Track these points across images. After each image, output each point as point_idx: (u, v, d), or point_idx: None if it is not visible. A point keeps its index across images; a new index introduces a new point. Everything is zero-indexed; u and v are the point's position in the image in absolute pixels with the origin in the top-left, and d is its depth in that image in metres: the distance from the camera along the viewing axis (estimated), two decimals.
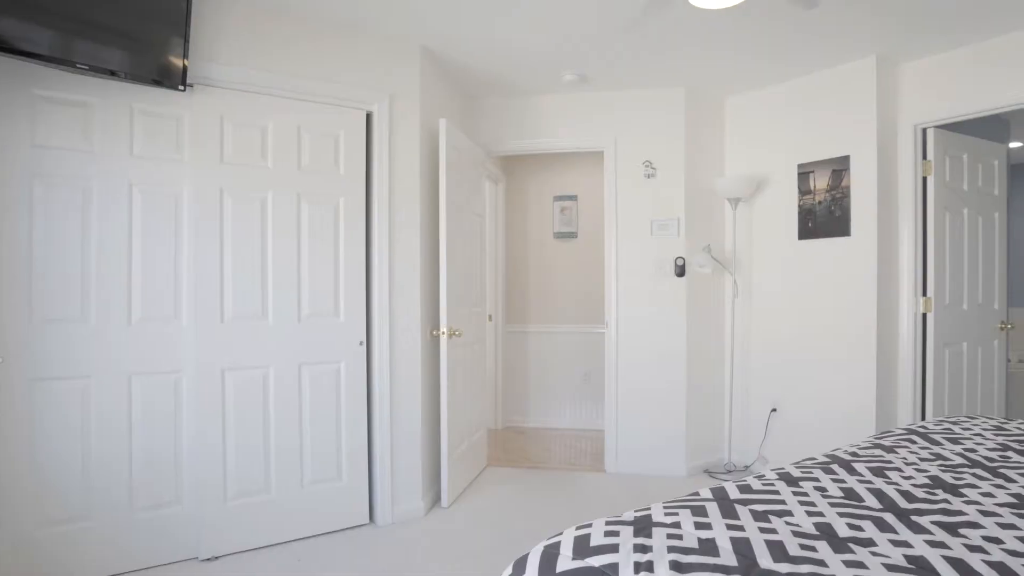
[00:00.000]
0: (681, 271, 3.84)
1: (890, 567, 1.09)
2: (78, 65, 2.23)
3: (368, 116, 3.08)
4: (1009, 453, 1.85)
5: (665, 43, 3.16)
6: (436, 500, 3.36)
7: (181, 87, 2.48)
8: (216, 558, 2.65)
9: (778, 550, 1.15)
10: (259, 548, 2.75)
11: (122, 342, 2.52)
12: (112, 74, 2.33)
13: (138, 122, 2.55)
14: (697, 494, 1.51)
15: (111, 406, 2.50)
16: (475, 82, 3.76)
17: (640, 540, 1.21)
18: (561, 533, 1.30)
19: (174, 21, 2.41)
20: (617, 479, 3.81)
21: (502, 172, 5.22)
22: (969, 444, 1.95)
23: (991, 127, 4.05)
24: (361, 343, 3.03)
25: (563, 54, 3.30)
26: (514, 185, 5.34)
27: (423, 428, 3.21)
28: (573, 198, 5.25)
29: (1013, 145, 5.06)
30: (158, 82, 2.42)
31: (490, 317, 5.10)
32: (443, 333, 3.21)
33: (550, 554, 1.23)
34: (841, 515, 1.33)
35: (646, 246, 3.91)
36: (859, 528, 1.26)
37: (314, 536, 2.89)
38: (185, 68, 2.46)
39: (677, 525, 1.28)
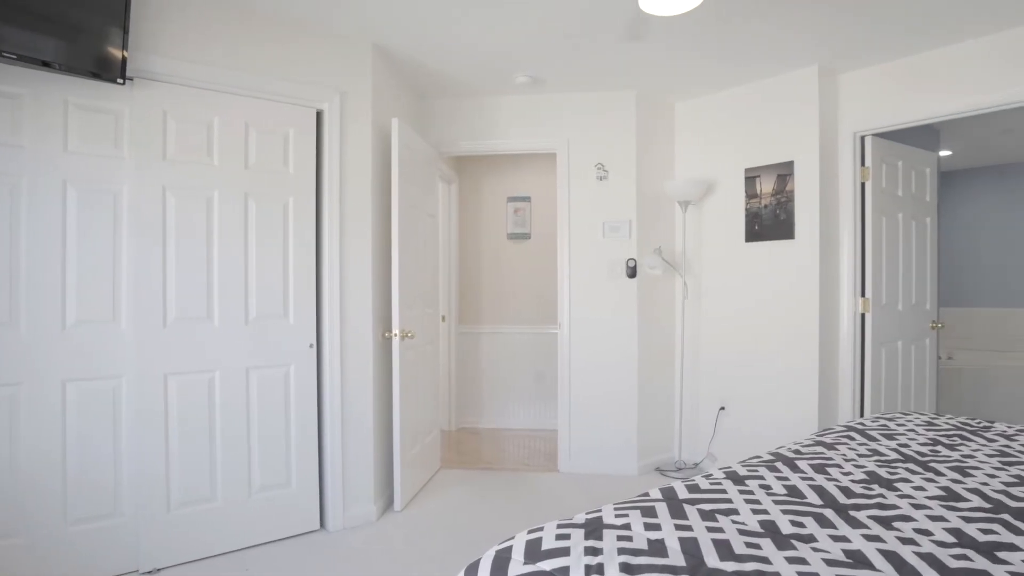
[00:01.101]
0: (632, 272, 3.90)
1: (829, 562, 1.13)
2: (5, 54, 2.11)
3: (319, 114, 3.02)
4: (939, 448, 1.95)
5: (616, 47, 3.21)
6: (389, 504, 3.32)
7: (120, 80, 2.38)
8: (158, 570, 2.55)
9: (725, 549, 1.18)
10: (204, 558, 2.66)
11: (55, 347, 2.40)
12: (45, 65, 2.21)
13: (73, 116, 2.44)
14: (647, 494, 1.54)
15: (43, 414, 2.38)
16: (428, 82, 3.73)
17: (591, 543, 1.22)
18: (513, 537, 1.31)
19: (112, 10, 2.31)
20: (570, 479, 3.85)
21: (455, 172, 5.20)
22: (903, 440, 2.05)
23: (923, 136, 4.25)
24: (311, 345, 2.97)
25: (516, 55, 3.31)
26: (467, 185, 5.33)
27: (375, 431, 3.17)
28: (527, 199, 5.27)
29: (943, 153, 5.32)
30: (96, 75, 2.32)
31: (443, 318, 5.08)
32: (395, 335, 3.18)
33: (502, 559, 1.23)
34: (784, 512, 1.37)
35: (598, 247, 3.96)
36: (801, 525, 1.31)
37: (263, 544, 2.82)
38: (125, 60, 2.37)
39: (627, 527, 1.30)
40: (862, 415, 3.56)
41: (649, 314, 4.01)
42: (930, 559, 1.15)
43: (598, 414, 3.97)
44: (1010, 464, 1.76)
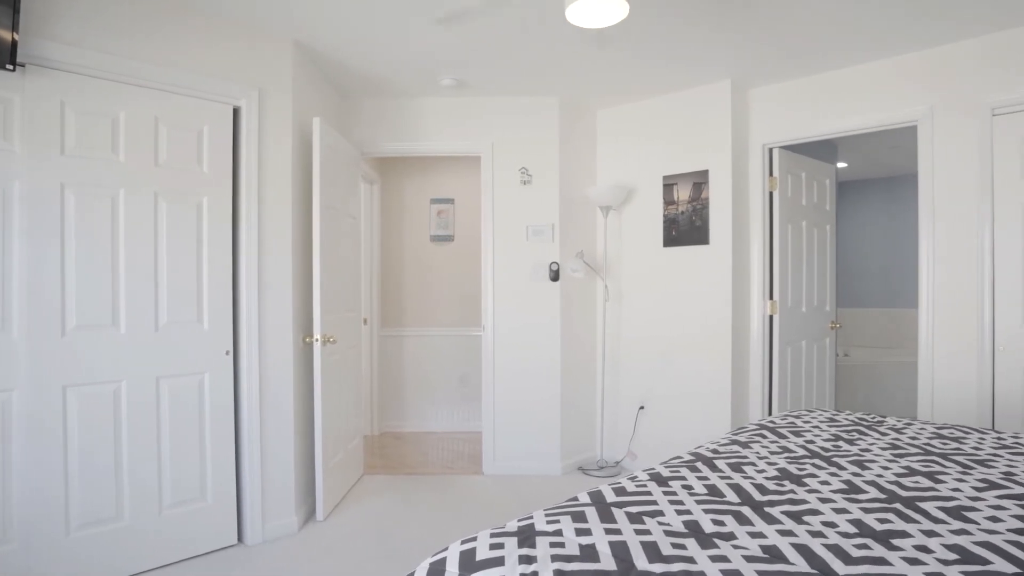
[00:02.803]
0: (555, 276, 3.97)
1: (749, 558, 1.20)
2: None
3: (235, 111, 2.89)
4: (840, 443, 2.10)
5: (541, 54, 3.25)
6: (311, 514, 3.22)
7: (10, 66, 2.18)
8: None
9: (652, 551, 1.23)
10: None
11: None
12: None
13: None
14: (576, 499, 1.57)
15: None
16: (352, 81, 3.65)
17: (524, 551, 1.23)
18: (447, 548, 1.30)
19: None
20: (496, 481, 3.87)
21: (378, 173, 5.11)
22: (809, 436, 2.19)
23: (823, 149, 4.56)
24: (228, 352, 2.84)
25: (441, 58, 3.29)
26: (390, 187, 5.25)
27: (296, 439, 3.07)
28: (450, 201, 5.25)
29: (840, 165, 5.73)
30: None
31: (365, 321, 4.98)
32: (317, 340, 3.09)
33: (436, 571, 1.22)
34: (706, 512, 1.44)
35: (522, 251, 4.00)
36: (722, 523, 1.37)
37: (176, 563, 2.66)
38: (15, 43, 2.17)
39: (559, 533, 1.32)
40: (770, 411, 3.78)
41: (571, 316, 4.09)
42: (836, 550, 1.24)
43: (522, 415, 4.01)
44: (900, 456, 1.92)
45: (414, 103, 4.00)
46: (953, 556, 1.21)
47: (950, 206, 3.09)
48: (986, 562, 1.18)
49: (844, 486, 1.64)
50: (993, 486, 1.63)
